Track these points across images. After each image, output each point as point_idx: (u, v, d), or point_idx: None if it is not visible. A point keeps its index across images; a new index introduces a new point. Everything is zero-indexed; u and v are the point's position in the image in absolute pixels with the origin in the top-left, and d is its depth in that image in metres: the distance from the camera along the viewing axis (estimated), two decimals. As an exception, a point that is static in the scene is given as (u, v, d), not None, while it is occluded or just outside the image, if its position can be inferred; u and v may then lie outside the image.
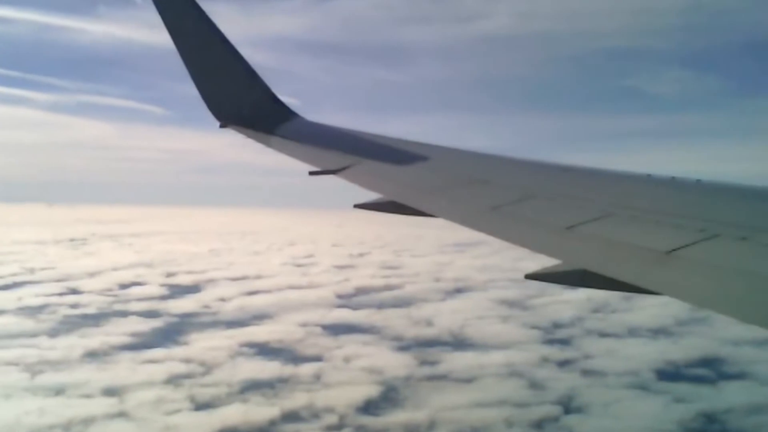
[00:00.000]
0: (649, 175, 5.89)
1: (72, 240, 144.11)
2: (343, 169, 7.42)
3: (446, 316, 64.07)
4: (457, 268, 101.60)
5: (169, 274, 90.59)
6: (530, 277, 4.58)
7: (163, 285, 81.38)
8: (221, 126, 9.32)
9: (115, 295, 73.71)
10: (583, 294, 77.42)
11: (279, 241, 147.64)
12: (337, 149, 8.16)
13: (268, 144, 8.85)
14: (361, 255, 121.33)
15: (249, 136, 9.09)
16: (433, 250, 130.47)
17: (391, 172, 7.33)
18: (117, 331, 55.85)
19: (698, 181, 5.53)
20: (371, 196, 6.75)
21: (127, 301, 70.76)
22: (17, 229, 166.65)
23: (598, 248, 4.41)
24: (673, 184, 5.66)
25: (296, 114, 9.61)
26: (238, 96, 9.22)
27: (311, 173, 7.60)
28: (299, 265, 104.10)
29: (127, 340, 53.09)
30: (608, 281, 4.04)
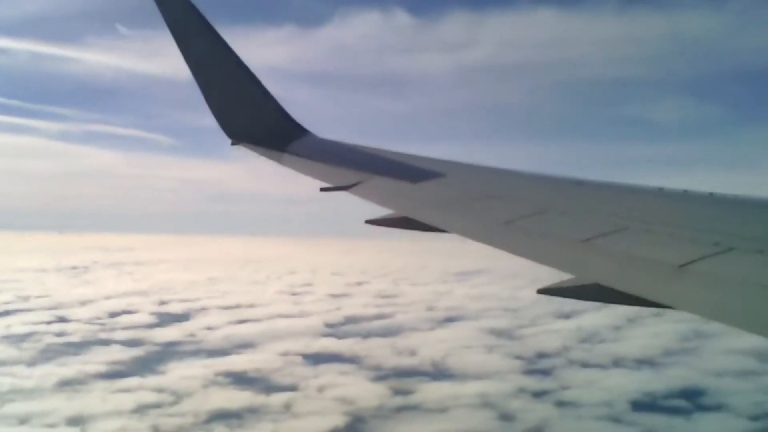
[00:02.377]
0: (661, 189, 5.88)
1: (74, 268, 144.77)
2: (355, 185, 7.39)
3: (431, 346, 63.58)
4: (454, 298, 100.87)
5: (162, 303, 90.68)
6: (543, 291, 4.52)
7: (153, 313, 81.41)
8: (233, 143, 9.26)
9: (102, 324, 73.80)
10: (573, 323, 77.02)
11: (280, 270, 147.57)
12: (349, 165, 8.09)
13: (280, 161, 8.79)
14: (359, 284, 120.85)
15: (260, 154, 9.04)
16: (434, 279, 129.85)
17: (403, 187, 7.30)
18: (96, 360, 55.85)
19: (711, 194, 5.48)
20: (383, 213, 6.68)
21: (114, 329, 70.85)
22: (23, 257, 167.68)
23: (611, 262, 4.38)
24: (686, 197, 5.63)
25: (308, 131, 9.55)
26: (250, 113, 9.18)
27: (322, 189, 7.55)
28: (294, 294, 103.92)
29: (103, 368, 53.04)
30: (621, 295, 4.02)
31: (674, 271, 3.92)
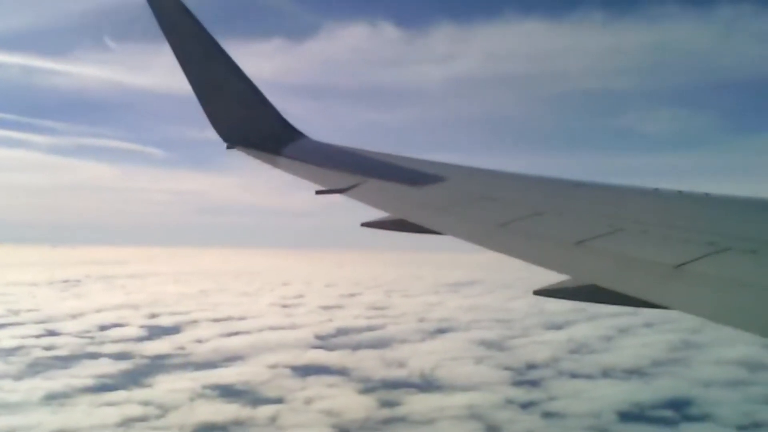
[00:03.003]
0: (656, 189, 5.89)
1: (66, 281, 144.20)
2: (351, 188, 7.36)
3: (420, 357, 63.42)
4: (445, 309, 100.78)
5: (153, 316, 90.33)
6: (539, 293, 4.55)
7: (143, 326, 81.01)
8: (228, 147, 9.22)
9: (91, 337, 73.46)
10: (564, 334, 77.03)
11: (273, 282, 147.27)
12: (345, 168, 8.09)
13: (276, 164, 8.76)
14: (352, 295, 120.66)
15: (256, 157, 9.01)
16: (427, 290, 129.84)
17: (399, 190, 7.27)
18: (83, 374, 55.52)
19: (706, 194, 5.50)
20: (379, 217, 6.66)
21: (103, 342, 70.50)
22: (15, 271, 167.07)
23: (607, 263, 4.38)
24: (681, 197, 5.63)
25: (303, 134, 9.55)
26: (245, 117, 9.16)
27: (318, 192, 7.53)
28: (286, 306, 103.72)
29: (91, 382, 52.75)
30: (617, 296, 4.02)
31: (670, 272, 3.93)
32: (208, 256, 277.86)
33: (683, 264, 3.95)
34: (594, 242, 4.66)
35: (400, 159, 8.26)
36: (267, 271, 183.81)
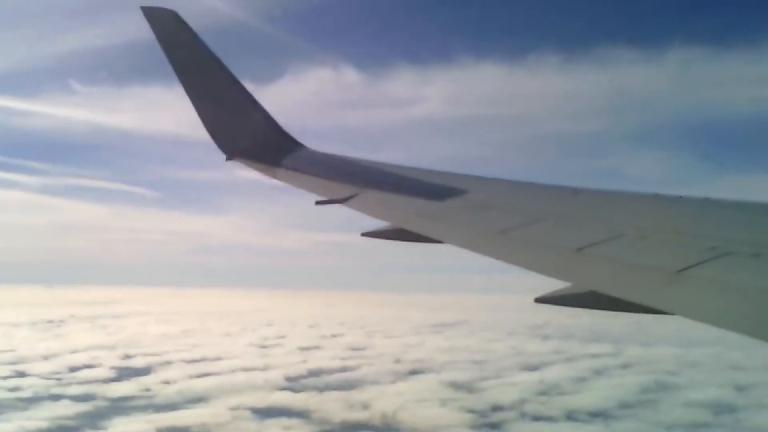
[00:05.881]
0: (657, 195, 5.89)
1: (50, 322, 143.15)
2: (350, 197, 7.35)
3: (387, 399, 62.93)
4: (423, 350, 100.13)
5: (126, 357, 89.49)
6: (540, 300, 4.41)
7: (114, 368, 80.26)
8: (228, 159, 9.20)
9: (59, 378, 72.81)
10: (536, 376, 76.56)
11: (257, 322, 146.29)
12: (344, 178, 8.07)
13: (275, 176, 8.76)
14: (333, 336, 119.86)
15: (255, 169, 9.03)
16: (409, 331, 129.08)
17: (399, 199, 7.27)
18: (40, 416, 55.00)
19: (707, 198, 5.49)
20: (378, 227, 6.63)
21: (69, 384, 69.85)
22: (2, 311, 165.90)
23: (608, 269, 4.35)
24: (681, 202, 5.63)
25: (302, 144, 9.55)
26: (244, 129, 9.18)
27: (318, 203, 7.53)
28: (264, 347, 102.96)
29: (45, 425, 52.25)
30: (619, 302, 3.99)
31: (672, 277, 3.91)
32: (199, 296, 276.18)
33: (685, 269, 3.94)
34: (595, 248, 4.66)
35: (400, 168, 8.30)
36: (253, 311, 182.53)
